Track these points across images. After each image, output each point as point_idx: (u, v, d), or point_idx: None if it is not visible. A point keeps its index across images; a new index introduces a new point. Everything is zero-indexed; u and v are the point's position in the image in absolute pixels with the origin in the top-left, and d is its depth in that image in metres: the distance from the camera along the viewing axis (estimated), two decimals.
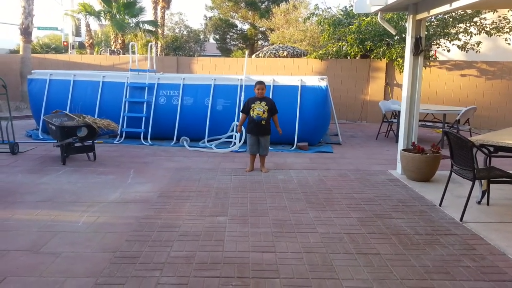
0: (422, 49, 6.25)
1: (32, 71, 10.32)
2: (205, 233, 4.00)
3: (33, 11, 14.67)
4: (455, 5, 5.11)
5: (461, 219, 4.43)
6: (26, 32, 14.48)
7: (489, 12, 11.56)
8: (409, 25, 6.32)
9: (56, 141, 6.97)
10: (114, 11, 18.11)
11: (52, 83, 9.46)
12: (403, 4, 6.10)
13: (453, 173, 4.84)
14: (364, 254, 3.60)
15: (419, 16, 6.12)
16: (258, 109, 6.23)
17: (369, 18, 11.65)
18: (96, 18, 18.74)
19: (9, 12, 61.67)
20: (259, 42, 30.81)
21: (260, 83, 6.37)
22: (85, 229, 4.05)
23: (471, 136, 7.56)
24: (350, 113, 13.33)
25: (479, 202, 4.99)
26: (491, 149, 4.80)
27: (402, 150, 6.27)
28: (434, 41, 12.39)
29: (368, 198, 5.19)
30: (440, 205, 4.92)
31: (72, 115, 7.25)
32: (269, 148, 8.12)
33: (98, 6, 18.93)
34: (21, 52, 14.67)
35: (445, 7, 5.36)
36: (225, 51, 30.37)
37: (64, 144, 6.67)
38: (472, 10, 10.87)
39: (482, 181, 4.91)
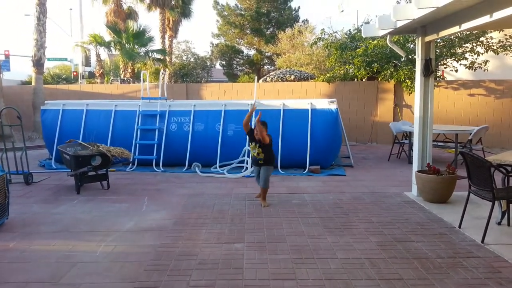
0: (432, 70, 6.28)
1: (45, 101, 10.49)
2: (223, 260, 3.96)
3: (45, 43, 15.05)
4: (464, 26, 5.16)
5: (482, 241, 4.34)
6: (38, 63, 14.82)
7: (495, 31, 11.63)
8: (418, 47, 6.36)
9: (70, 170, 7.02)
10: (124, 41, 18.53)
11: (65, 113, 9.61)
12: (411, 27, 6.18)
13: (470, 194, 4.78)
14: (386, 279, 3.53)
15: (428, 38, 6.17)
16: (253, 151, 6.04)
17: (376, 41, 11.76)
18: (106, 48, 19.17)
19: (20, 45, 63.20)
20: (265, 67, 31.21)
21: (262, 123, 5.88)
22: (103, 259, 4.03)
23: (484, 156, 7.49)
24: (360, 135, 13.32)
25: (499, 223, 4.91)
26: (509, 168, 4.76)
27: (417, 171, 6.22)
28: (441, 62, 12.45)
29: (386, 222, 5.12)
30: (459, 227, 4.84)
31: (86, 144, 7.32)
32: (281, 172, 8.19)
33: (108, 36, 19.41)
34: (33, 83, 14.97)
35: (454, 29, 5.41)
36: (232, 77, 30.74)
37: (78, 173, 6.71)
38: (479, 30, 10.95)
39: (502, 201, 4.84)
